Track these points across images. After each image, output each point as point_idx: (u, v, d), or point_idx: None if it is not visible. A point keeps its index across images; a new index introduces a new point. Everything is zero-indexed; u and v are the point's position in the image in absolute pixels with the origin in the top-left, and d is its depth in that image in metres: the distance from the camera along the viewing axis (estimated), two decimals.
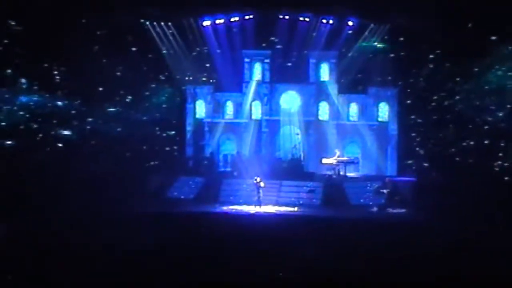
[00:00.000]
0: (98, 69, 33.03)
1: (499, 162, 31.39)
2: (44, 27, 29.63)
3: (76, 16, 31.76)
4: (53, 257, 17.51)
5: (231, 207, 30.55)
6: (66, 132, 31.95)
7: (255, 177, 30.32)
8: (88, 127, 33.39)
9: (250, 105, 39.68)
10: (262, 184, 30.05)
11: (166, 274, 16.16)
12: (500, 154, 31.62)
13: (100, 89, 33.71)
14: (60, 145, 31.44)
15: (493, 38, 31.86)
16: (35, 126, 31.01)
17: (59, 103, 32.03)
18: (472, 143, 32.96)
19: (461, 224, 23.92)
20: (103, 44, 33.27)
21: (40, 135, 31.06)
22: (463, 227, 23.31)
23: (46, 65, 31.53)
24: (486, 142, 32.30)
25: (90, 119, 33.51)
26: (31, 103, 31.05)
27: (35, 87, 31.08)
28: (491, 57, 32.48)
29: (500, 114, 32.07)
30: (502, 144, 31.67)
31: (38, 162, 29.63)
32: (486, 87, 32.86)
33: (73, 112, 32.64)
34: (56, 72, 32.05)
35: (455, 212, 26.06)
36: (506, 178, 30.47)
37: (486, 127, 32.58)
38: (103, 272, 16.09)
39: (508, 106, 31.82)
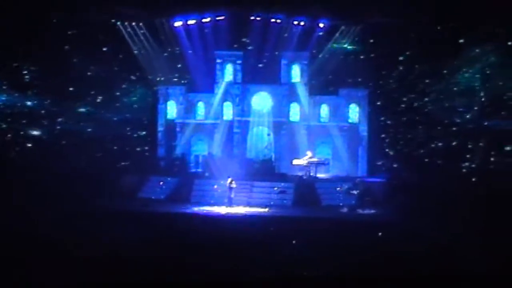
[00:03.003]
0: (69, 69, 32.86)
1: (467, 163, 31.84)
2: (14, 26, 29.37)
3: (47, 15, 31.51)
4: (20, 255, 17.38)
5: (202, 207, 30.52)
6: (36, 132, 31.71)
7: (229, 178, 30.38)
8: (59, 127, 33.18)
9: (222, 106, 39.68)
10: (233, 185, 30.16)
11: (135, 274, 16.14)
12: (468, 155, 32.07)
13: (71, 88, 33.50)
14: (29, 145, 31.18)
15: (462, 40, 32.31)
16: (4, 125, 30.73)
17: (29, 102, 31.78)
18: (441, 144, 33.38)
19: (430, 223, 24.21)
20: (74, 43, 33.08)
21: (10, 134, 30.78)
22: (432, 226, 23.61)
23: (16, 64, 31.27)
24: (454, 143, 32.72)
25: (60, 119, 33.29)
26: (0, 103, 30.77)
27: (5, 86, 30.79)
28: (460, 59, 32.94)
29: (468, 116, 32.55)
30: (470, 146, 32.13)
31: (8, 161, 29.38)
32: (455, 89, 33.33)
33: (43, 111, 32.40)
34: (26, 72, 31.77)
35: (424, 212, 26.36)
36: (473, 178, 30.90)
37: (454, 129, 33.02)
38: (71, 270, 16.04)
39: (476, 108, 32.30)
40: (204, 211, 29.60)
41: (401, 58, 35.60)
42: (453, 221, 24.26)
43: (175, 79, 39.44)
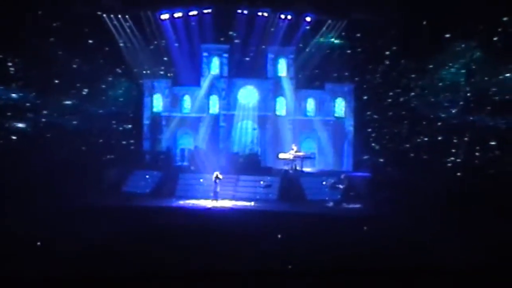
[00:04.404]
0: (54, 61, 32.60)
1: (452, 158, 31.96)
2: None
3: (32, 7, 31.26)
4: (6, 251, 17.29)
5: (187, 201, 30.51)
6: (20, 125, 31.45)
7: (214, 172, 30.30)
8: (43, 119, 32.91)
9: (208, 100, 39.59)
10: (219, 178, 30.10)
11: (121, 268, 16.10)
12: (453, 150, 32.19)
13: (56, 81, 33.24)
14: (14, 137, 30.94)
15: (448, 35, 32.41)
16: None
17: (14, 95, 31.52)
18: (426, 139, 33.48)
19: (414, 218, 24.33)
20: (59, 36, 32.79)
21: None
22: (417, 221, 23.72)
23: (0, 56, 31.00)
24: (439, 138, 32.84)
25: (45, 112, 33.03)
26: None
27: None
28: (445, 55, 33.04)
29: (453, 111, 32.66)
30: (455, 141, 32.23)
31: None
32: (440, 84, 33.44)
33: (27, 104, 32.13)
34: (10, 64, 31.50)
35: (408, 206, 26.48)
36: (458, 173, 31.04)
37: (439, 124, 33.13)
38: (57, 265, 15.97)
39: (461, 103, 32.42)
40: (190, 205, 29.60)
41: (387, 53, 35.68)
42: (437, 216, 24.39)
43: (161, 72, 39.29)
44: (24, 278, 14.98)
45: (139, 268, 16.20)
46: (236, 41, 38.65)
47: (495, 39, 30.88)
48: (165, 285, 15.04)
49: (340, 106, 39.44)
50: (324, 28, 38.54)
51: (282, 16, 38.15)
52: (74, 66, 34.29)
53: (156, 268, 16.23)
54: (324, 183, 32.28)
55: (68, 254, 17.18)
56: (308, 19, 38.15)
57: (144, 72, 38.95)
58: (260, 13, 38.03)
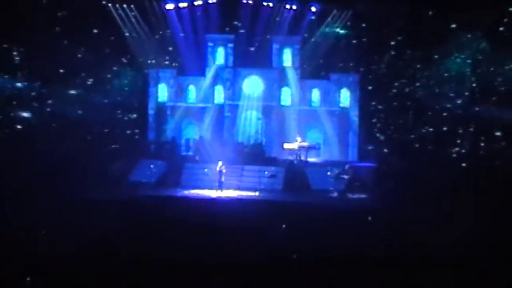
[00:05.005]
0: (59, 51, 32.60)
1: (457, 149, 31.95)
2: (3, 7, 29.10)
3: None
4: (11, 242, 17.34)
5: (192, 191, 30.55)
6: (25, 114, 31.50)
7: (219, 162, 30.33)
8: (48, 109, 32.94)
9: (213, 90, 39.60)
10: (224, 168, 30.13)
11: (126, 259, 16.14)
12: (458, 141, 32.17)
13: (61, 71, 33.25)
14: (19, 127, 31.00)
15: (453, 26, 32.32)
16: None
17: (19, 84, 31.56)
18: (431, 129, 33.47)
19: (419, 208, 24.32)
20: (64, 25, 32.80)
21: None
22: (421, 211, 23.72)
23: (5, 45, 31.03)
24: (444, 129, 32.81)
25: (50, 101, 33.06)
26: None
27: None
28: (451, 45, 32.96)
29: (459, 102, 32.62)
30: (460, 131, 32.21)
31: None
32: (445, 75, 33.38)
33: (33, 94, 32.19)
34: (15, 53, 31.53)
35: (413, 197, 26.46)
36: (463, 164, 31.01)
37: (444, 114, 33.09)
38: (63, 257, 16.02)
39: (466, 93, 32.37)
40: (195, 195, 29.63)
41: (392, 43, 35.60)
42: (442, 206, 24.37)
43: (166, 62, 39.34)
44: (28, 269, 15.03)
45: (142, 257, 16.25)
46: (241, 31, 38.64)
47: (500, 29, 30.81)
48: (168, 274, 15.09)
49: (345, 97, 39.37)
50: (329, 18, 38.47)
51: (287, 6, 38.11)
52: (79, 55, 34.29)
53: (160, 258, 16.28)
54: (329, 173, 32.25)
55: (72, 242, 17.24)
56: (313, 9, 38.08)
57: (149, 62, 38.99)
58: (265, 3, 38.00)
